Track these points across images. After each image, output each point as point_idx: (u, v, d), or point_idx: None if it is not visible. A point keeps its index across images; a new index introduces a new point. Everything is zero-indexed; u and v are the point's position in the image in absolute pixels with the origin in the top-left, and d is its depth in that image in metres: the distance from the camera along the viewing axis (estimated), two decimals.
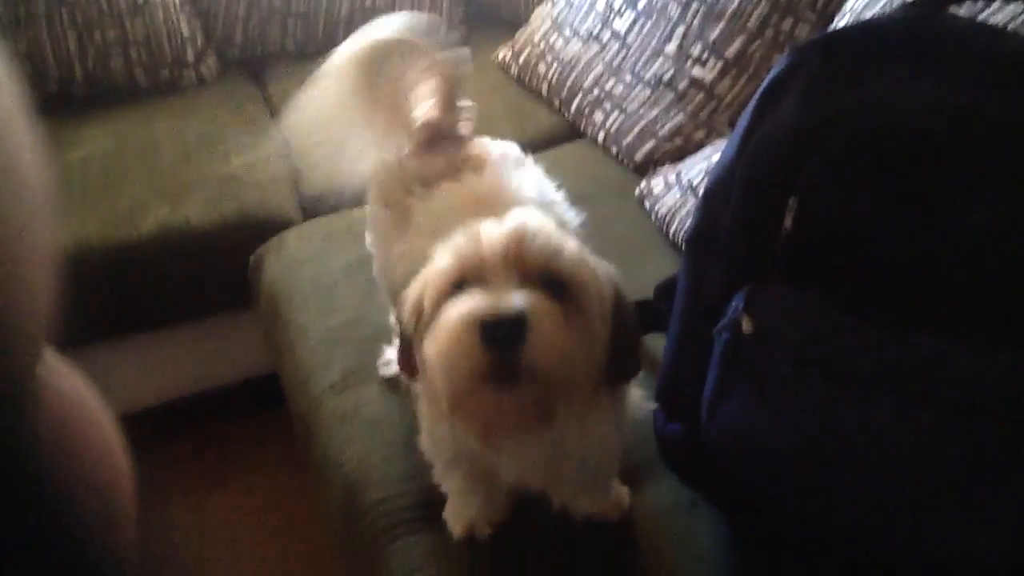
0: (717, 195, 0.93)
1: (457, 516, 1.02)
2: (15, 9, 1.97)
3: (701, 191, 1.04)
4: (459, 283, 0.77)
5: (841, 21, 1.38)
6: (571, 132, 1.95)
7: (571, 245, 0.80)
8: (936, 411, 0.73)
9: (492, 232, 0.78)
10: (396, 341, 1.03)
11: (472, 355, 0.72)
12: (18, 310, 0.23)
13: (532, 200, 1.00)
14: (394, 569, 1.01)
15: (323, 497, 1.19)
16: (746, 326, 0.86)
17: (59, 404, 0.29)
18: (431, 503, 1.05)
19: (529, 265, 0.76)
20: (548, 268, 0.77)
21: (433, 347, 0.76)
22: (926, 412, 0.73)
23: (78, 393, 0.32)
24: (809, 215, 0.86)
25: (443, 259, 0.79)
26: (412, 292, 0.83)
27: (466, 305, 0.73)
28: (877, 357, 0.77)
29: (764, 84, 0.91)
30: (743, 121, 0.92)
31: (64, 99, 2.05)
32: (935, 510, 0.74)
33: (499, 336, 0.71)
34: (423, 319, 0.80)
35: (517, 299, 0.72)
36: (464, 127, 1.15)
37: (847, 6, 1.39)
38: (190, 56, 2.15)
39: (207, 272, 1.74)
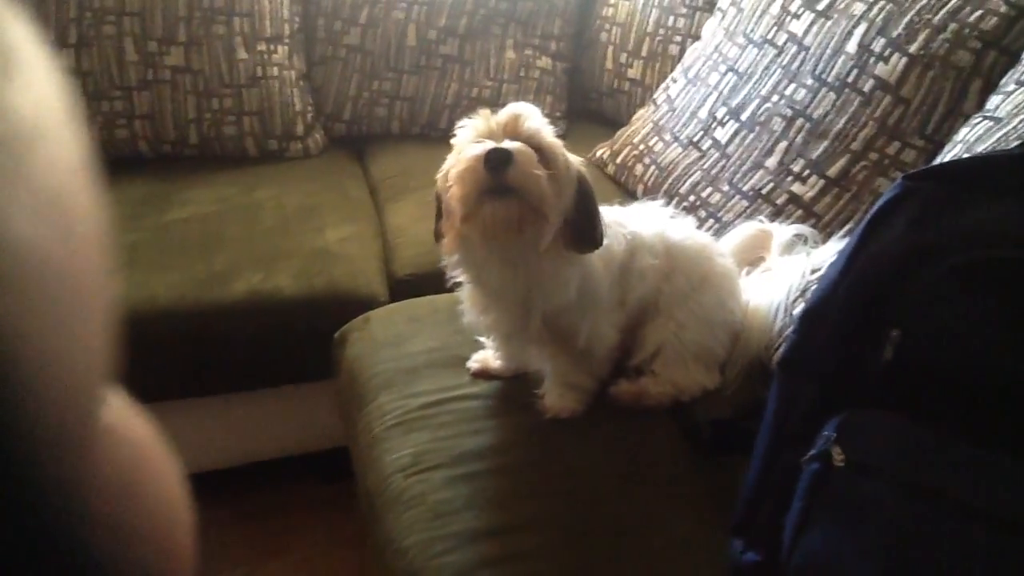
0: (816, 316, 0.91)
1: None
2: (143, 72, 2.08)
3: (798, 311, 1.01)
4: (476, 143, 1.11)
5: (951, 150, 1.35)
6: None
7: (551, 131, 1.14)
8: None
9: (498, 113, 1.14)
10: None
11: (478, 175, 1.07)
12: (69, 360, 0.22)
13: None
14: None
15: None
16: (837, 457, 0.83)
17: (124, 451, 0.29)
18: None
19: (521, 133, 1.11)
20: (533, 137, 1.11)
21: (455, 175, 1.10)
22: None
23: (146, 441, 0.31)
24: (912, 343, 0.83)
25: (467, 131, 1.14)
26: (447, 164, 1.16)
27: (478, 147, 1.09)
28: (977, 485, 0.74)
29: (875, 208, 0.90)
30: (850, 243, 0.91)
31: (176, 160, 2.14)
32: None
33: (495, 161, 1.06)
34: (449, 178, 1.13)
35: (508, 143, 1.08)
36: None
37: (958, 136, 1.36)
38: (299, 129, 2.23)
39: (289, 341, 1.75)
